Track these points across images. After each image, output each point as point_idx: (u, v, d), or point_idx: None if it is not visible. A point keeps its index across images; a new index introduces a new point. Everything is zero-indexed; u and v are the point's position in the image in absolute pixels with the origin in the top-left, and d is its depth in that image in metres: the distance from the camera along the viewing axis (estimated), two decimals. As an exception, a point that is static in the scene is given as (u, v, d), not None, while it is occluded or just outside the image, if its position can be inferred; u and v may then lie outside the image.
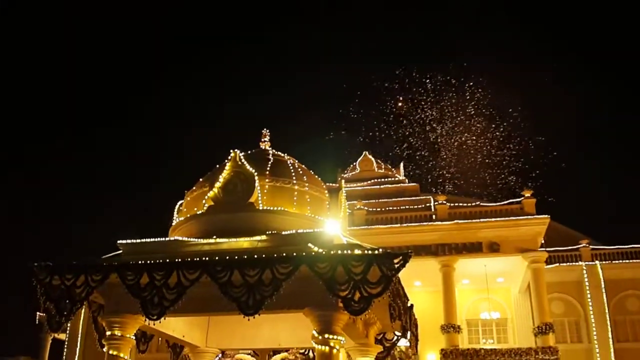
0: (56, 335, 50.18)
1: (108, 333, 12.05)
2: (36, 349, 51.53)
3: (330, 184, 17.07)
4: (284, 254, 10.61)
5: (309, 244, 11.22)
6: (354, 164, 48.56)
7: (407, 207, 39.40)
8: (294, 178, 13.70)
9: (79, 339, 43.11)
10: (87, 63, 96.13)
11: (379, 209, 39.24)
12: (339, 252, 10.70)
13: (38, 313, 49.57)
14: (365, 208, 38.62)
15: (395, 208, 39.31)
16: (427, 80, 59.20)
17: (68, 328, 43.00)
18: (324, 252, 10.75)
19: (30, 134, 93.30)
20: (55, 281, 11.39)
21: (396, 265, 10.33)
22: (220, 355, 17.43)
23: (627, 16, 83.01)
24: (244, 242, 11.83)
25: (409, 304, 13.58)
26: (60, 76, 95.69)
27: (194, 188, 14.10)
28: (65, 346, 43.83)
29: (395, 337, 15.96)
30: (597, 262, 40.38)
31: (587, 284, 39.94)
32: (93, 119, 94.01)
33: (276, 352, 17.33)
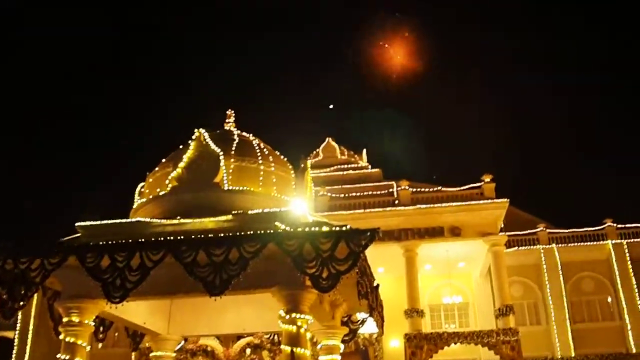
0: (2, 333, 48.89)
1: (65, 319, 11.55)
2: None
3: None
4: (251, 232, 10.39)
5: (276, 223, 11.02)
6: (317, 150, 48.46)
7: (370, 192, 39.51)
8: (259, 158, 13.46)
9: (30, 334, 41.84)
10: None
11: (342, 195, 39.28)
12: (307, 229, 10.53)
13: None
14: (329, 194, 38.59)
15: (358, 194, 39.37)
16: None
17: (18, 324, 41.72)
18: (291, 230, 10.56)
19: None
20: (8, 265, 10.87)
21: (363, 242, 10.19)
22: (183, 342, 17.09)
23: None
24: (209, 222, 11.54)
25: (375, 284, 13.47)
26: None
27: (157, 169, 13.72)
28: (15, 344, 42.39)
29: (361, 319, 15.88)
30: (553, 245, 41.32)
31: (544, 266, 40.74)
32: (53, 106, 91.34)
33: (241, 337, 17.06)
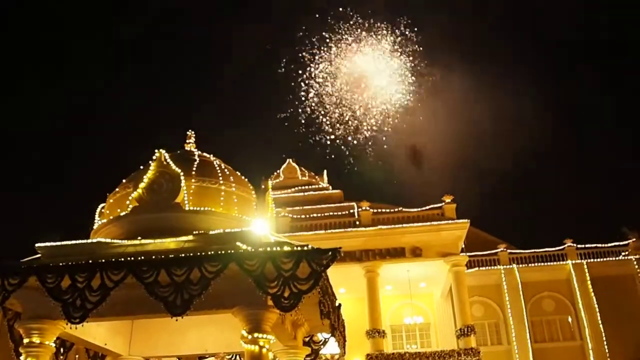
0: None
1: (26, 341, 11.51)
2: None
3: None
4: (212, 252, 10.46)
5: (238, 243, 11.11)
6: (278, 171, 48.51)
7: (331, 213, 39.63)
8: (220, 178, 13.56)
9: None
10: None
11: (303, 216, 39.33)
12: (268, 249, 10.63)
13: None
14: (290, 215, 38.62)
15: (319, 215, 39.47)
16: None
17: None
18: (253, 250, 10.65)
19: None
20: (-32, 286, 10.79)
21: (325, 262, 10.33)
22: (144, 364, 16.94)
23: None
24: (170, 243, 11.58)
25: (337, 304, 13.60)
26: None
27: (117, 190, 13.72)
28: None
29: (323, 339, 15.96)
30: (514, 265, 41.70)
31: (505, 287, 41.17)
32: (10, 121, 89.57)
33: (202, 357, 16.97)
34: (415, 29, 55.68)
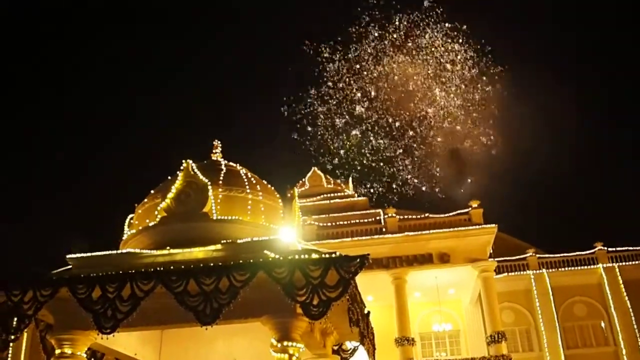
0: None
1: (57, 351, 11.65)
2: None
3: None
4: (241, 261, 10.49)
5: (266, 251, 11.13)
6: (303, 179, 48.48)
7: (357, 221, 39.47)
8: (247, 187, 13.61)
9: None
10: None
11: (329, 224, 39.23)
12: (296, 257, 10.62)
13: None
14: (316, 223, 38.56)
15: (345, 222, 39.34)
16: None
17: (9, 357, 41.22)
18: (281, 258, 10.66)
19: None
20: (0, 297, 10.95)
21: (353, 268, 10.29)
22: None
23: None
24: (198, 252, 11.64)
25: (365, 311, 13.54)
26: None
27: (145, 200, 13.85)
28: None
29: (352, 347, 15.89)
30: (544, 270, 41.16)
31: (535, 292, 40.66)
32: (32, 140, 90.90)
33: (231, 367, 17.02)
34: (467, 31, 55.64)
